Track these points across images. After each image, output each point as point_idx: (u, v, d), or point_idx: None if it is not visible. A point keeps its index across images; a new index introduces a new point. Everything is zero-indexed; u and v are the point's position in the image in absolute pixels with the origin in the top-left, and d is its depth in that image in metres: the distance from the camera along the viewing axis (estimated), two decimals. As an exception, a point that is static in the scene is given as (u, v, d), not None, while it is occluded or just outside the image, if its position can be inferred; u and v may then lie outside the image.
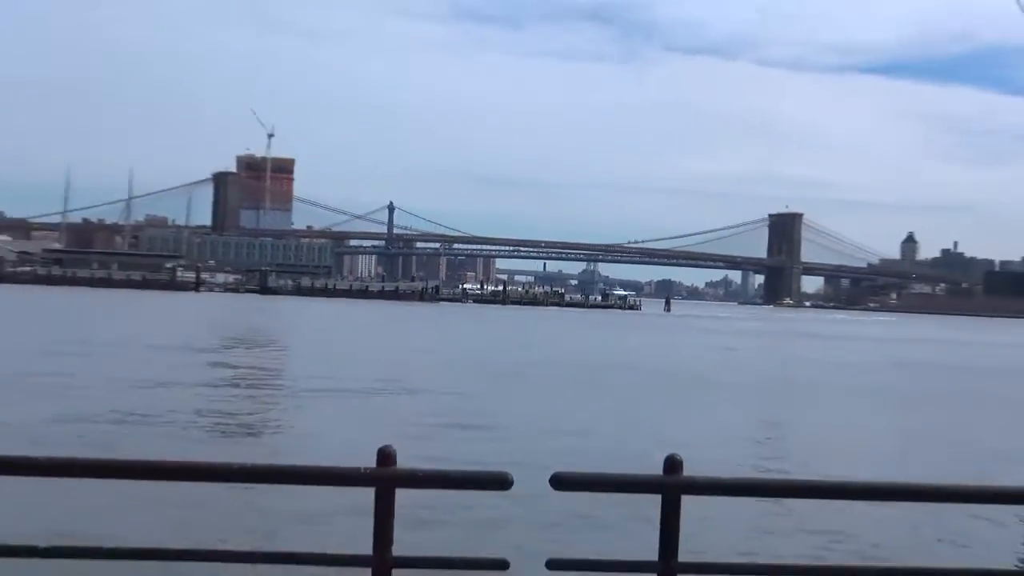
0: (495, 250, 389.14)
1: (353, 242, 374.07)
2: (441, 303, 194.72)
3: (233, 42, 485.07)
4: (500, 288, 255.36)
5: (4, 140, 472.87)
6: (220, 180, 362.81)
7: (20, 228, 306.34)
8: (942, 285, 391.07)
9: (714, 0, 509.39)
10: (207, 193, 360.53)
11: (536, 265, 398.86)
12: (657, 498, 4.56)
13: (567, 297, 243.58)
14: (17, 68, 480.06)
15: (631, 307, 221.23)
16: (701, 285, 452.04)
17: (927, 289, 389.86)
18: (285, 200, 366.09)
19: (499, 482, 4.66)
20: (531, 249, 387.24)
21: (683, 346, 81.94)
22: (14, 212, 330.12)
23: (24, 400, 29.88)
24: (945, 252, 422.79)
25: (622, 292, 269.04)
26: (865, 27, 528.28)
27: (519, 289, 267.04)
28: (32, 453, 4.79)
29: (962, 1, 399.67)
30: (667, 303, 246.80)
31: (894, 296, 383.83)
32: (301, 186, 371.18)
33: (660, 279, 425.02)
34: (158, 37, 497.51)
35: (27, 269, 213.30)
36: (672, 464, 4.60)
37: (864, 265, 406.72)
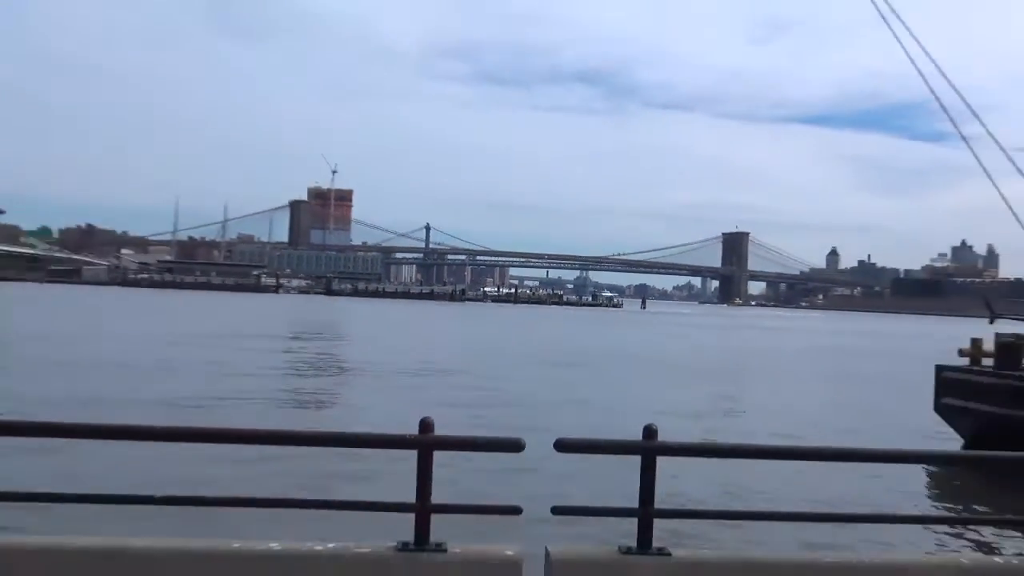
0: (508, 261, 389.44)
1: (398, 254, 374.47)
2: (467, 303, 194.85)
3: (312, 105, 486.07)
4: (512, 291, 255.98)
5: (128, 172, 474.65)
6: (295, 206, 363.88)
7: (140, 244, 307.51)
8: (859, 288, 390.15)
9: (679, 68, 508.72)
10: (285, 216, 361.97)
11: (540, 273, 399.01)
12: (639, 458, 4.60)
13: (565, 298, 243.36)
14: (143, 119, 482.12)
15: (615, 306, 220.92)
16: (669, 288, 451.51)
17: (847, 291, 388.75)
18: (345, 222, 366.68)
19: (514, 446, 4.68)
20: (536, 260, 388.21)
21: (657, 337, 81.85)
22: (135, 231, 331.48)
23: (146, 380, 30.00)
24: (861, 263, 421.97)
25: (608, 294, 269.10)
26: (800, 87, 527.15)
27: (527, 291, 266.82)
28: (157, 423, 4.87)
29: (874, 67, 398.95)
30: (643, 302, 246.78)
31: (821, 297, 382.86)
32: (358, 211, 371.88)
33: (637, 283, 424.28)
34: (255, 102, 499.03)
35: (145, 276, 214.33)
36: (649, 432, 4.67)
37: (797, 272, 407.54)
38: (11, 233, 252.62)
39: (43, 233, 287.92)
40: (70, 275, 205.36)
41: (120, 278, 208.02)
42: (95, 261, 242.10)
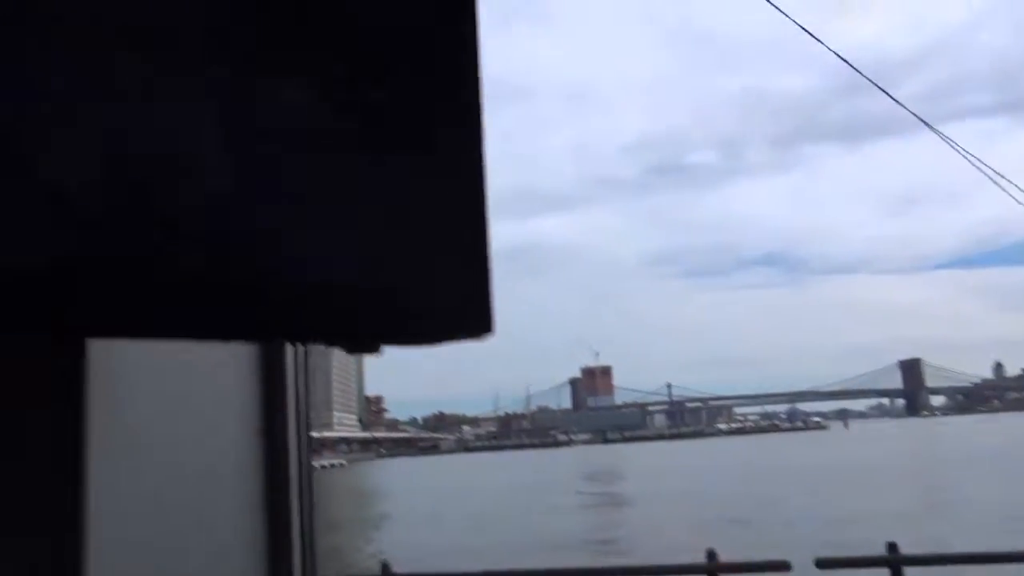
0: (732, 402, 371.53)
1: (650, 407, 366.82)
2: (706, 438, 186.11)
3: (576, 308, 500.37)
4: (740, 425, 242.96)
5: (462, 373, 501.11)
6: (573, 382, 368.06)
7: (473, 421, 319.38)
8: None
9: (837, 241, 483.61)
10: (567, 390, 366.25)
11: (758, 408, 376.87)
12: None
13: (780, 426, 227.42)
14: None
15: (822, 428, 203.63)
16: (864, 409, 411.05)
17: (1019, 395, 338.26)
18: (609, 389, 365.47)
19: (784, 566, 4.50)
20: (753, 399, 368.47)
21: (865, 450, 74.13)
22: (470, 412, 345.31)
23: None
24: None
25: (816, 419, 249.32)
26: (932, 243, 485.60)
27: (750, 424, 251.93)
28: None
29: (988, 217, 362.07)
30: (845, 423, 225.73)
31: (997, 402, 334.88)
32: (618, 379, 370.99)
33: (837, 409, 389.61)
34: (538, 314, 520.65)
35: (479, 444, 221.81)
36: (892, 547, 4.44)
37: (969, 384, 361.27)
38: (392, 424, 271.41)
39: (412, 422, 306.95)
40: (431, 449, 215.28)
41: (463, 447, 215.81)
42: (446, 436, 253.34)
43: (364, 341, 0.62)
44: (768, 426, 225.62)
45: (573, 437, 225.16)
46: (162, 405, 1.06)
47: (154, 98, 0.58)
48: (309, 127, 0.60)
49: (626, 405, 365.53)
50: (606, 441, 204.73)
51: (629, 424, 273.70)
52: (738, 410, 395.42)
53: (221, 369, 1.18)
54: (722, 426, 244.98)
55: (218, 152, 0.58)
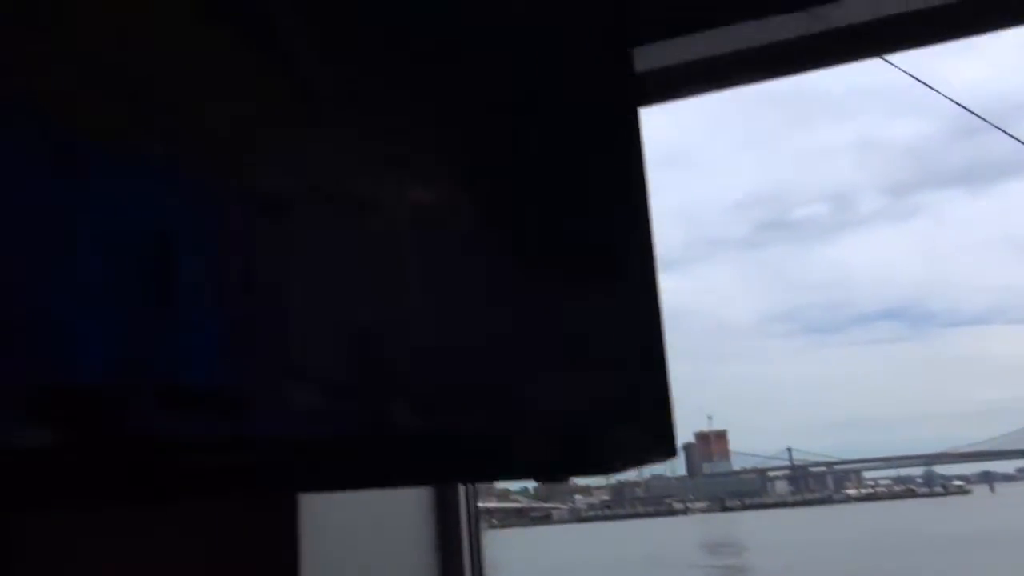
0: (860, 466, 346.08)
1: (770, 473, 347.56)
2: (833, 505, 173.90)
3: (687, 372, 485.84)
4: (871, 490, 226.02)
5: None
6: (687, 447, 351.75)
7: (585, 490, 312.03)
8: None
9: (965, 291, 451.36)
10: (681, 455, 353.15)
11: (890, 471, 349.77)
12: None
13: (916, 491, 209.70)
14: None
15: (964, 492, 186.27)
16: (1012, 471, 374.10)
17: None
18: (725, 455, 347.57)
19: None
20: (884, 462, 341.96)
21: (1021, 516, 67.06)
22: (581, 480, 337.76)
23: None
24: None
25: (958, 482, 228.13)
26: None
27: (883, 489, 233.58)
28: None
29: None
30: (991, 487, 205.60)
31: None
32: (734, 444, 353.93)
33: (980, 471, 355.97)
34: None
35: (592, 513, 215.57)
36: None
37: None
38: (503, 494, 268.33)
39: (523, 492, 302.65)
40: (543, 519, 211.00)
41: (575, 516, 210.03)
42: (558, 506, 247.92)
43: (555, 473, 0.66)
44: (903, 491, 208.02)
45: (689, 505, 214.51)
46: (355, 530, 1.10)
47: (367, 263, 0.60)
48: (506, 275, 0.63)
49: (744, 471, 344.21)
50: (724, 509, 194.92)
51: (748, 491, 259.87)
52: (867, 474, 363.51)
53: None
54: (851, 492, 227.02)
55: (425, 309, 0.60)
